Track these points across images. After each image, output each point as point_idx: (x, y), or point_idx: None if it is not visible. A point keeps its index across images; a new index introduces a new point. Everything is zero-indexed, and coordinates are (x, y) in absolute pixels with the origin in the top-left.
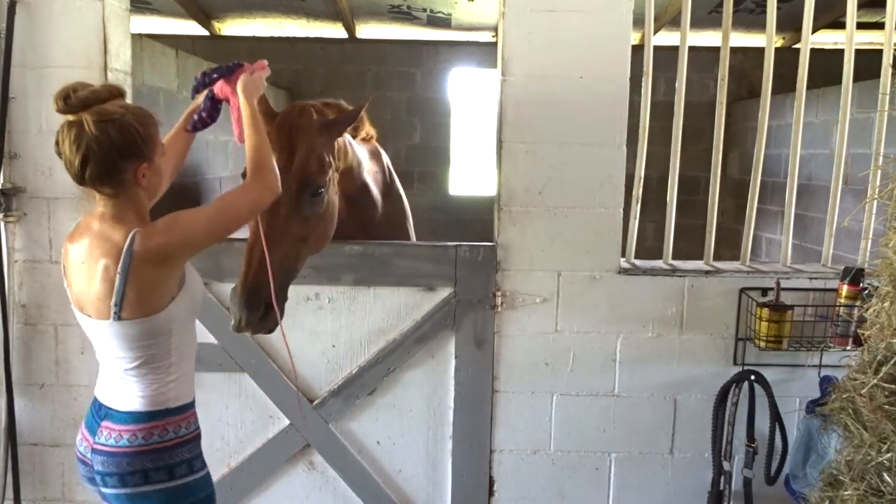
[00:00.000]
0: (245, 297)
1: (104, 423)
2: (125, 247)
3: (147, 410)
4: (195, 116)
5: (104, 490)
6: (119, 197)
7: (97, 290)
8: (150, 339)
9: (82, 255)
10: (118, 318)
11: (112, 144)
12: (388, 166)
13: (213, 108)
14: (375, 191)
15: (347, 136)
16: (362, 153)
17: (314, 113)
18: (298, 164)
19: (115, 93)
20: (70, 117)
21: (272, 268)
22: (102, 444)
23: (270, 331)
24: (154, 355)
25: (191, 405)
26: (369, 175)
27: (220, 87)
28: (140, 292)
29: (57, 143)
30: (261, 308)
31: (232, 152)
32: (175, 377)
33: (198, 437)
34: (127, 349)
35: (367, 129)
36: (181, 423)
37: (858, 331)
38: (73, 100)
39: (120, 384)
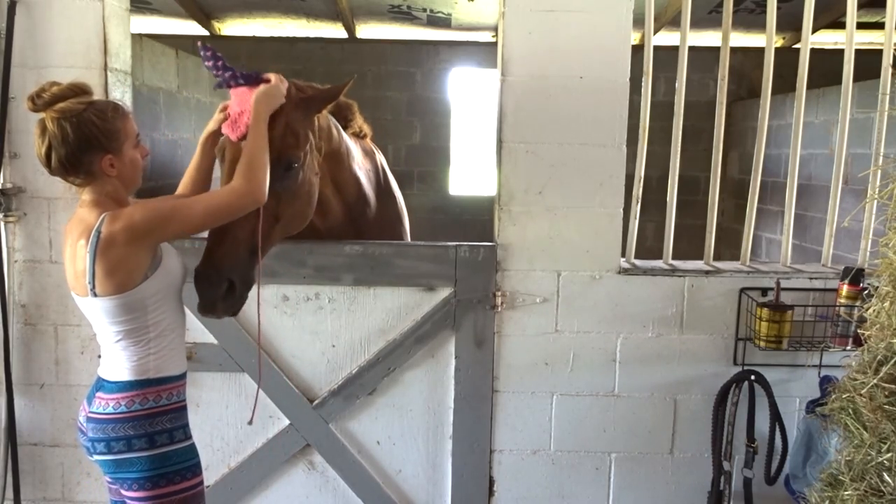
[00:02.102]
0: (204, 271)
1: (98, 394)
2: (94, 228)
3: (130, 380)
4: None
5: (95, 458)
6: (92, 185)
7: (78, 268)
8: (126, 314)
9: (69, 238)
10: (94, 294)
11: (70, 139)
12: (382, 166)
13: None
14: (368, 187)
15: (335, 121)
16: (354, 147)
17: (293, 87)
18: (271, 136)
19: (79, 90)
20: (41, 115)
21: (239, 244)
22: (94, 413)
23: (234, 313)
24: (132, 329)
25: (175, 378)
26: (361, 170)
27: (241, 93)
28: (107, 271)
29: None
30: (222, 285)
31: None
32: (155, 350)
33: (182, 409)
34: (108, 323)
35: (360, 124)
36: (162, 393)
37: (858, 331)
38: (39, 100)
39: (110, 355)
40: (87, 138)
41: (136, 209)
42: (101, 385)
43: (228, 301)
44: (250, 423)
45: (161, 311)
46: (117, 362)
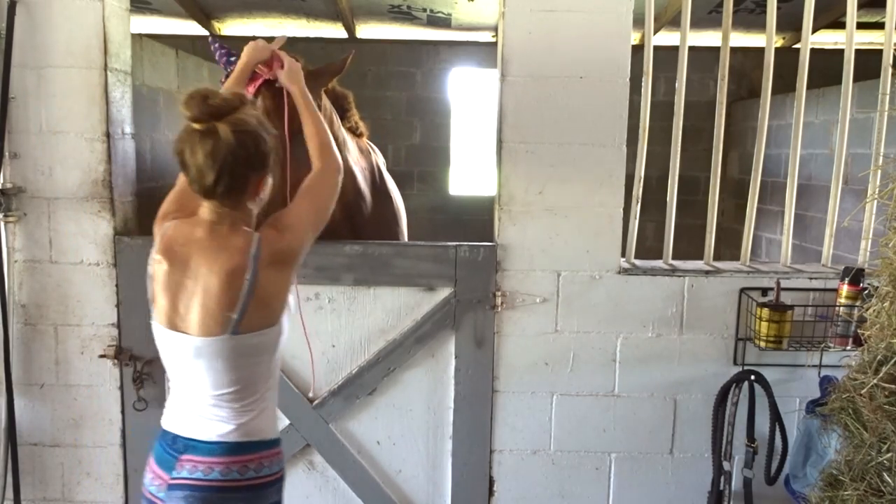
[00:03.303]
0: None
1: (185, 457)
2: (252, 252)
3: (241, 441)
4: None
5: None
6: (236, 207)
7: (212, 303)
8: (257, 356)
9: (189, 270)
10: (235, 331)
11: (247, 155)
12: (377, 165)
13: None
14: (363, 185)
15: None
16: (350, 142)
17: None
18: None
19: (245, 100)
20: (197, 126)
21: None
22: (186, 479)
23: None
24: (253, 375)
25: (279, 442)
26: (357, 166)
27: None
28: (262, 301)
29: (181, 152)
30: None
31: None
32: (268, 404)
33: (283, 479)
34: (229, 369)
35: (356, 119)
36: (273, 459)
37: (858, 331)
38: (206, 107)
39: (208, 412)
40: (259, 156)
41: (278, 227)
42: (188, 446)
43: None
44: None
45: (277, 356)
46: (220, 418)
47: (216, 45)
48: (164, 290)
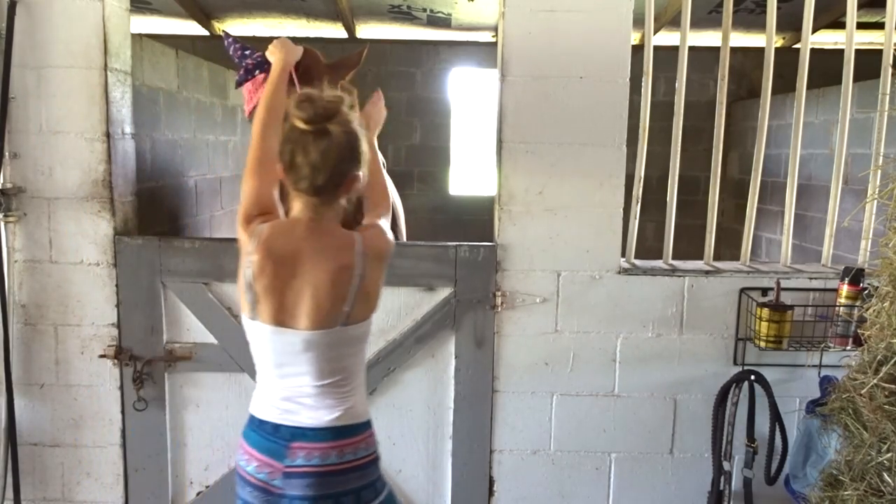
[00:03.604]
0: None
1: (296, 444)
2: (357, 250)
3: (348, 424)
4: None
5: None
6: (332, 204)
7: (323, 298)
8: (359, 344)
9: (297, 269)
10: (345, 323)
11: (350, 153)
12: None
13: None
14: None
15: None
16: None
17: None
18: None
19: (344, 99)
20: (310, 127)
21: None
22: (304, 466)
23: None
24: (356, 362)
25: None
26: None
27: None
28: (366, 294)
29: (291, 153)
30: None
31: (231, 152)
32: (364, 388)
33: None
34: (337, 358)
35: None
36: (373, 437)
37: (858, 331)
38: (319, 109)
39: (316, 401)
40: (356, 152)
41: (377, 226)
42: (297, 434)
43: None
44: None
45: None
46: (326, 404)
47: (230, 39)
48: (269, 290)
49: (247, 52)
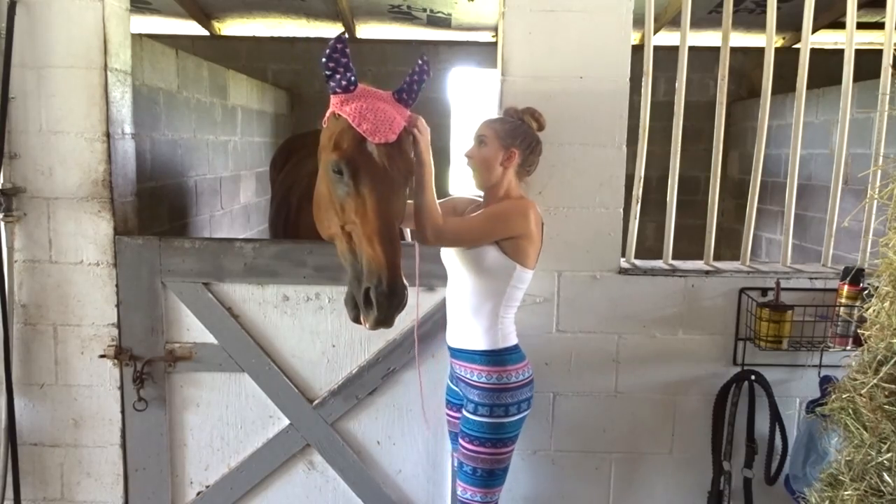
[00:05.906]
0: (399, 283)
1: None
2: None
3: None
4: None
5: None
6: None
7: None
8: None
9: (540, 220)
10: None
11: None
12: None
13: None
14: None
15: None
16: None
17: None
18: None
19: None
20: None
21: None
22: (509, 383)
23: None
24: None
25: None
26: None
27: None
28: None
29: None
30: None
31: (232, 152)
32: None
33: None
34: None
35: None
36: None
37: (858, 331)
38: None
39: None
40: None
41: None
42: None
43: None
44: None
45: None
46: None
47: (341, 45)
48: (540, 238)
49: (352, 79)
